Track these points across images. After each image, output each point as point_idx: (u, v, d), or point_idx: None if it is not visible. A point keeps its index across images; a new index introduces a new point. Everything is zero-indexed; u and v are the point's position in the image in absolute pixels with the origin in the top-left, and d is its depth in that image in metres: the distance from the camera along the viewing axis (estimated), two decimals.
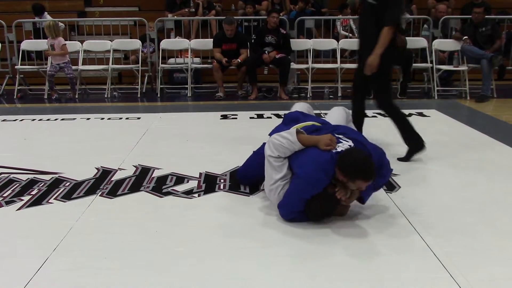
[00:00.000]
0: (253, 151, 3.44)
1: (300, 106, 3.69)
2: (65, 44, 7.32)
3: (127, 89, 8.00)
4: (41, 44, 7.79)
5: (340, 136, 2.83)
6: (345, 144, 2.75)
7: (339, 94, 7.33)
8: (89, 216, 2.92)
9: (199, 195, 3.25)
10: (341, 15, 8.95)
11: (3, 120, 5.68)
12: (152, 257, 2.42)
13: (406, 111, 5.84)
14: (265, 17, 7.50)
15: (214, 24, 8.83)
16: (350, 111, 3.71)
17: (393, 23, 3.70)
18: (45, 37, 7.90)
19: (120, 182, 3.48)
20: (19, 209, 3.04)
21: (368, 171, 2.58)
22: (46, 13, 8.74)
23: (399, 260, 2.38)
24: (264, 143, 3.40)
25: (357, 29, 8.77)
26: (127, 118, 5.69)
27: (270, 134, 3.16)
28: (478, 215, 2.88)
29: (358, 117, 4.10)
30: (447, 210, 2.95)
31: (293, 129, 2.84)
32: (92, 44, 7.87)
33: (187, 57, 7.69)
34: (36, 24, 8.38)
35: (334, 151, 2.68)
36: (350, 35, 8.61)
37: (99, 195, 3.24)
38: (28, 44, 7.89)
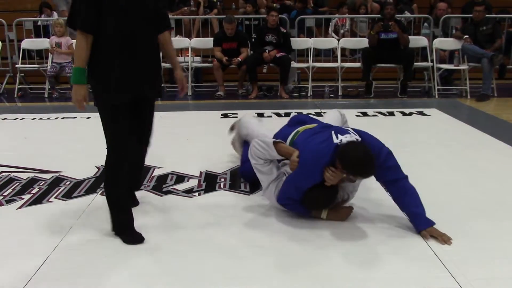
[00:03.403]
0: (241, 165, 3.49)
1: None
2: (72, 43, 7.33)
3: None
4: (41, 43, 7.79)
5: (348, 129, 2.76)
6: (353, 137, 2.65)
7: (340, 93, 7.32)
8: (90, 215, 2.92)
9: (199, 194, 3.25)
10: (337, 13, 8.94)
11: (4, 119, 5.68)
12: (152, 256, 2.42)
13: (407, 110, 5.89)
14: (265, 16, 7.49)
15: (215, 23, 8.81)
16: (344, 113, 3.50)
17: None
18: (46, 36, 7.90)
19: None
20: (19, 208, 3.05)
21: (368, 169, 2.52)
22: (54, 11, 8.80)
23: (400, 260, 2.38)
24: (246, 151, 3.43)
25: (356, 28, 8.75)
26: None
27: (275, 137, 3.15)
28: (478, 214, 2.88)
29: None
30: (448, 209, 2.94)
31: (270, 140, 2.80)
32: None
33: (188, 56, 7.69)
34: (41, 22, 8.38)
35: (337, 141, 2.59)
36: (337, 36, 8.57)
37: (100, 194, 3.23)
38: (28, 43, 7.88)
